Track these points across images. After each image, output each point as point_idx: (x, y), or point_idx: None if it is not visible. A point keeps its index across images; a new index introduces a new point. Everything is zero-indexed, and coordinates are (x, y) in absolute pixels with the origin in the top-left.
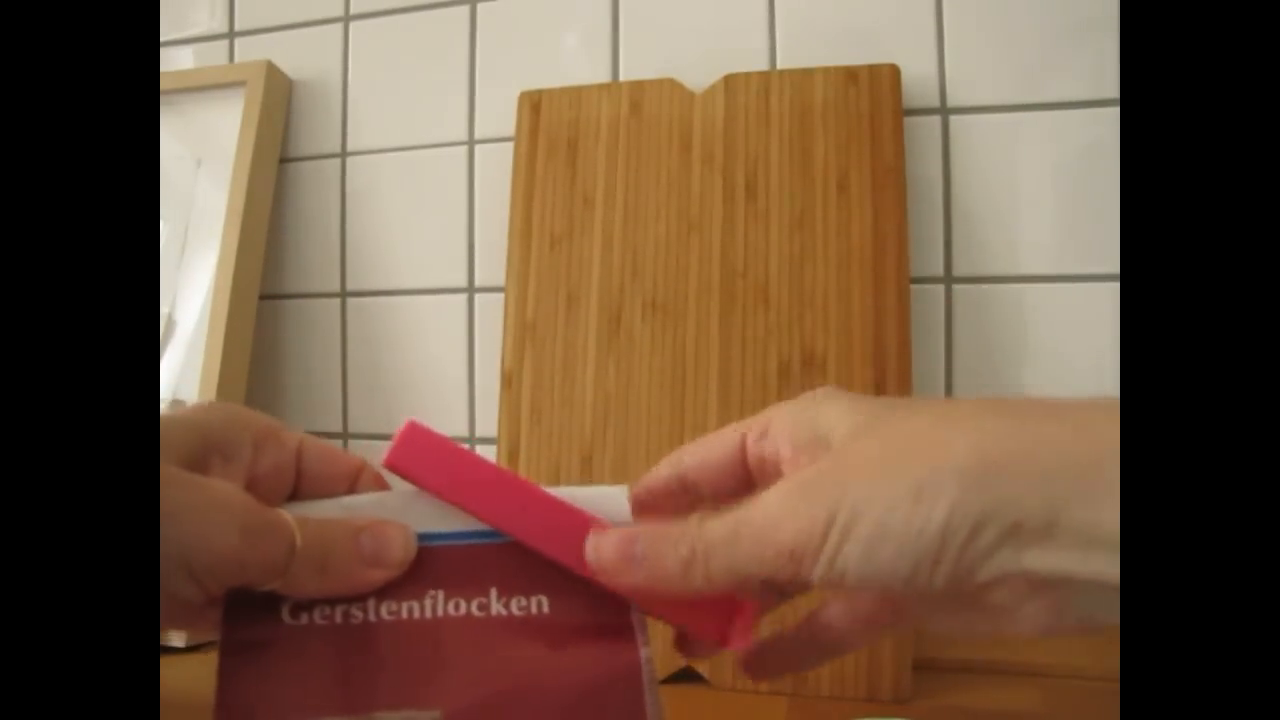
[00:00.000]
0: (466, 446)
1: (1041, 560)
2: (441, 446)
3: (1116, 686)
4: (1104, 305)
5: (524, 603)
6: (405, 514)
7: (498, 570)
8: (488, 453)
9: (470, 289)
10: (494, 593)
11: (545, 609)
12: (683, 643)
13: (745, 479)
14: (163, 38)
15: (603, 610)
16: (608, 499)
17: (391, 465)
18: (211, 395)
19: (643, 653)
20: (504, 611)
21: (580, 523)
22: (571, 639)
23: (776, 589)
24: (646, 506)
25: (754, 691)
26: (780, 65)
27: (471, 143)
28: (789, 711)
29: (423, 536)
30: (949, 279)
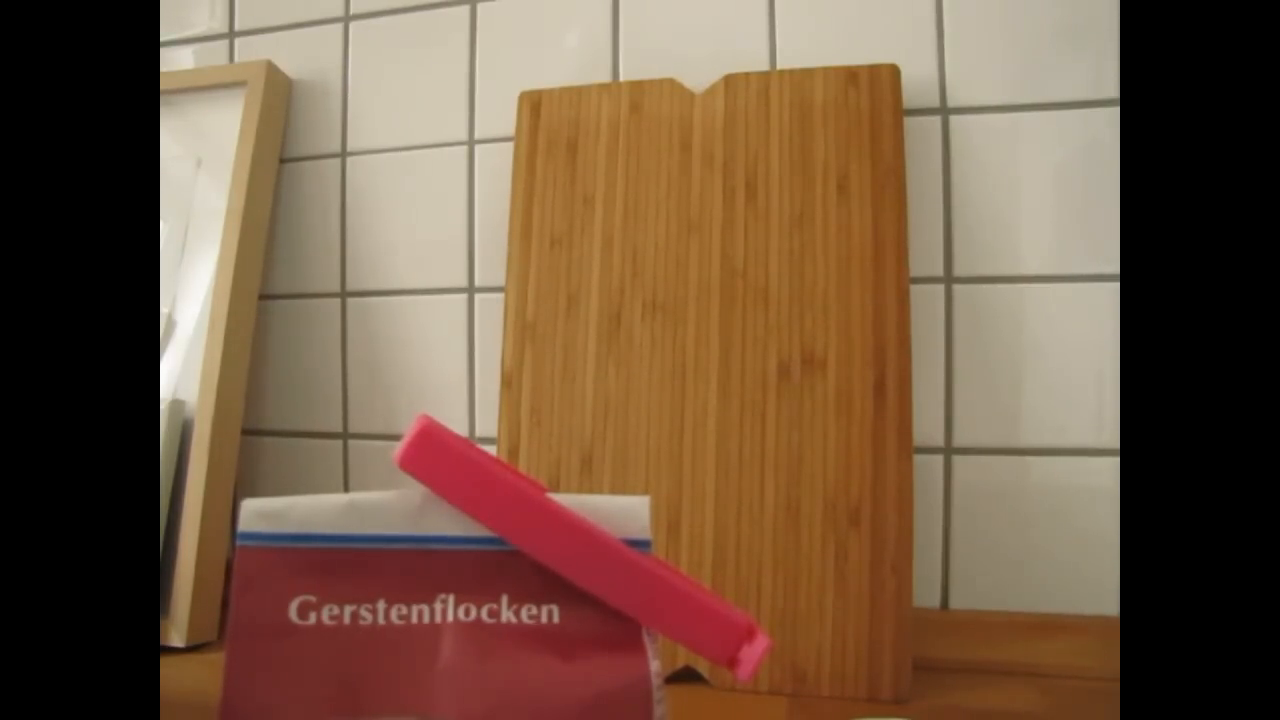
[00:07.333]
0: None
1: None
2: (454, 448)
3: (1116, 686)
4: (1104, 305)
5: (535, 611)
6: (416, 515)
7: (509, 577)
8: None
9: (470, 289)
10: (505, 600)
11: (556, 618)
12: None
13: None
14: (163, 38)
15: (613, 622)
16: (629, 511)
17: (403, 465)
18: (211, 395)
19: (652, 665)
20: (514, 619)
21: (597, 540)
22: (581, 649)
23: None
24: None
25: (754, 691)
26: (780, 65)
27: (471, 143)
28: (789, 711)
29: (434, 540)
30: (949, 279)
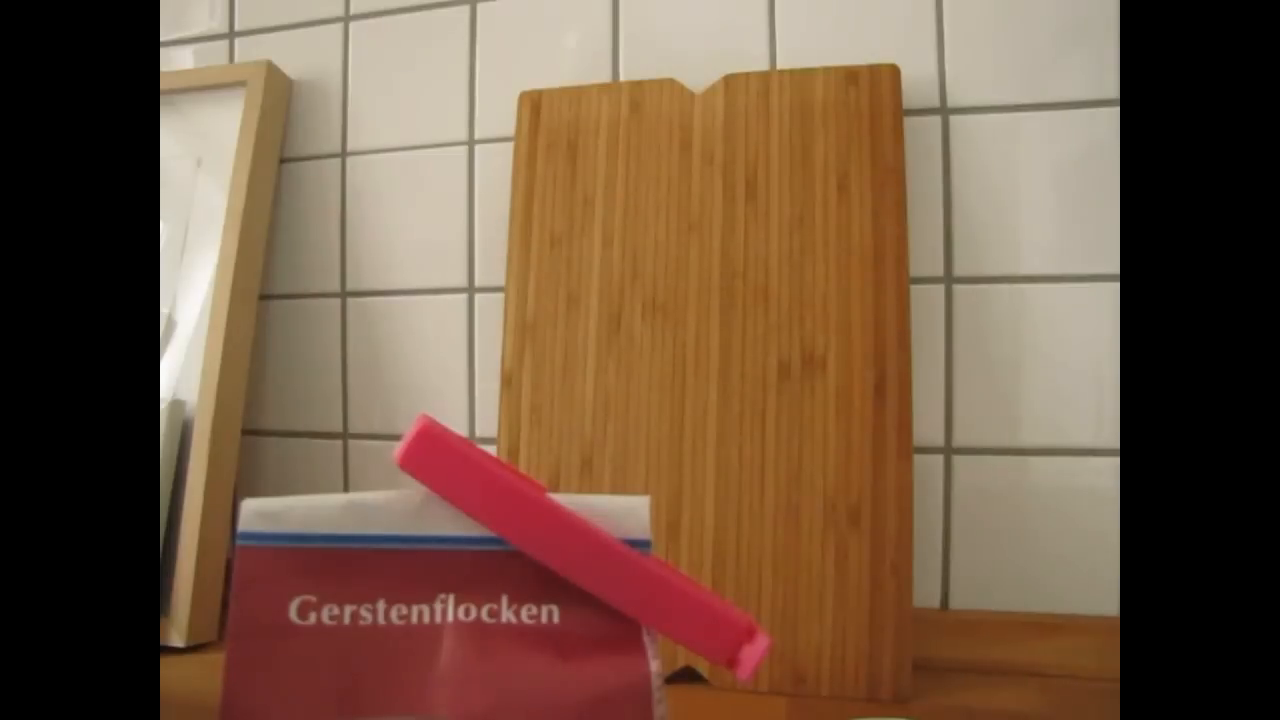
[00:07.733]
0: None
1: None
2: (454, 448)
3: (1116, 686)
4: (1104, 305)
5: (535, 611)
6: (416, 515)
7: (509, 577)
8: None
9: (470, 289)
10: (505, 599)
11: (556, 618)
12: None
13: None
14: (163, 38)
15: (613, 622)
16: (629, 511)
17: (403, 465)
18: (211, 395)
19: (652, 665)
20: (514, 619)
21: (595, 541)
22: (581, 650)
23: None
24: None
25: (754, 691)
26: (780, 65)
27: (471, 143)
28: (789, 711)
29: (434, 540)
30: (949, 279)
